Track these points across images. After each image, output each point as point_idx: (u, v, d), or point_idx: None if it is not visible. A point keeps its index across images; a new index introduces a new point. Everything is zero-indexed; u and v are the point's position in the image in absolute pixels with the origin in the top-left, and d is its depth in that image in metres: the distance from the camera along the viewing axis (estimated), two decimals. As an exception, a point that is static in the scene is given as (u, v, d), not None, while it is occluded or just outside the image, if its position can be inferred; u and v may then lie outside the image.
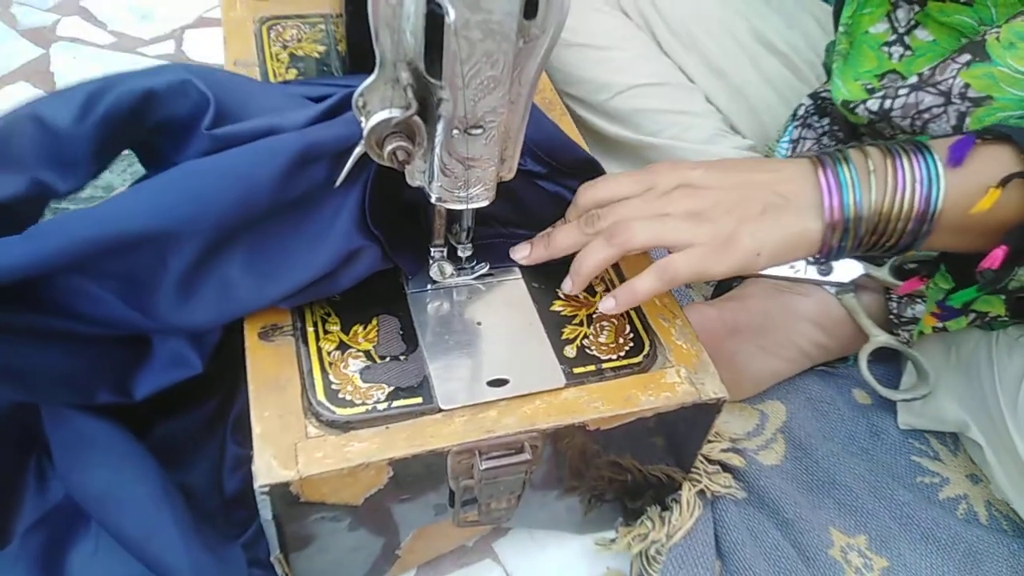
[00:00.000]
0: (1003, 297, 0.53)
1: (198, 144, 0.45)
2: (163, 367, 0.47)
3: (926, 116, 0.52)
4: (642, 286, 0.46)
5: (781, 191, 0.45)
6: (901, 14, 0.56)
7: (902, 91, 0.53)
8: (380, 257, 0.45)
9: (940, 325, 0.55)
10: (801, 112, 0.67)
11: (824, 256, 0.46)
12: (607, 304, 0.47)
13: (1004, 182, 0.41)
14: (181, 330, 0.45)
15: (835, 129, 0.65)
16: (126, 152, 0.49)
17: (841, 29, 0.59)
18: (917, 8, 0.54)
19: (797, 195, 0.44)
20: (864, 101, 0.55)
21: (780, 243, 0.44)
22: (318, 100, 0.47)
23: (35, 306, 0.42)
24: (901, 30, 0.56)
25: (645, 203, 0.46)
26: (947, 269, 0.51)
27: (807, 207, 0.44)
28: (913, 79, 0.53)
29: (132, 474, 0.46)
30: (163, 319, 0.43)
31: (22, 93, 0.92)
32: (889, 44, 0.56)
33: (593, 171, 0.51)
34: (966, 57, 0.51)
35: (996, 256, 0.42)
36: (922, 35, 0.55)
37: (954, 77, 0.51)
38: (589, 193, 0.48)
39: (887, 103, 0.54)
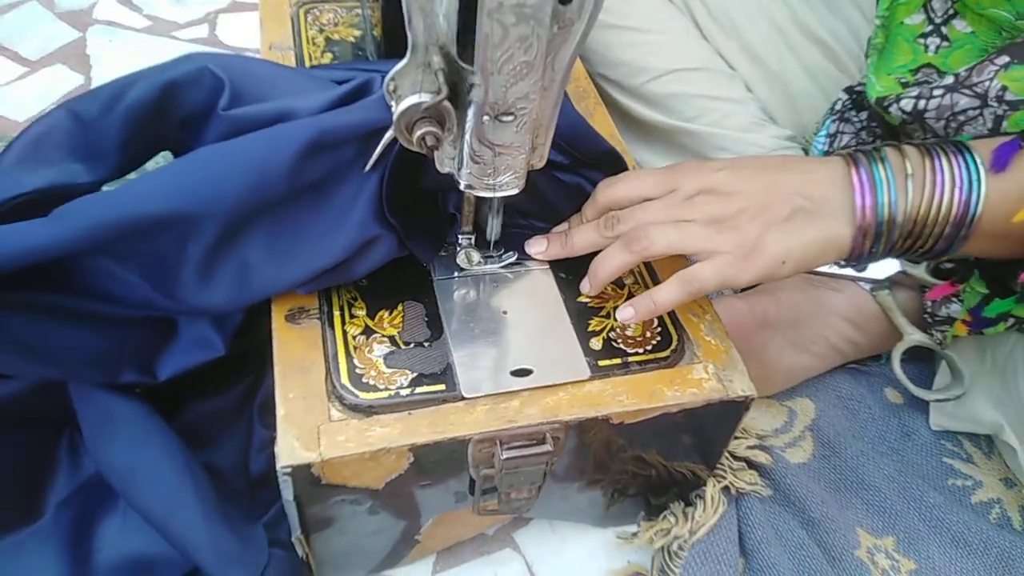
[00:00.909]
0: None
1: (216, 127, 0.45)
2: (187, 349, 0.48)
3: (961, 119, 0.50)
4: (664, 297, 0.45)
5: (810, 194, 0.43)
6: (937, 4, 0.54)
7: (937, 91, 0.51)
8: (396, 245, 0.45)
9: (973, 332, 0.54)
10: (838, 106, 0.66)
11: (854, 261, 0.45)
12: (626, 313, 0.46)
13: None
14: (202, 312, 0.46)
15: (873, 125, 0.63)
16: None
17: (877, 22, 0.58)
18: None
19: (827, 198, 0.43)
20: (898, 100, 0.54)
21: (808, 249, 0.43)
22: (343, 84, 0.47)
23: (63, 287, 0.43)
24: (938, 20, 0.54)
25: (666, 208, 0.45)
26: (981, 275, 0.50)
27: (837, 211, 0.43)
28: (949, 79, 0.51)
29: (156, 451, 0.47)
30: (185, 301, 0.43)
31: (59, 75, 0.93)
32: (925, 35, 0.55)
33: (616, 164, 0.50)
34: (1004, 59, 0.49)
35: None
36: (960, 26, 0.53)
37: (991, 79, 0.49)
38: (609, 191, 0.47)
39: (921, 103, 0.52)
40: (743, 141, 0.71)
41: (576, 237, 0.48)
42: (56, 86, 0.91)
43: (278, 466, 0.39)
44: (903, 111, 0.53)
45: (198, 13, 1.04)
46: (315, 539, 0.46)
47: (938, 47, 0.54)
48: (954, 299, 0.59)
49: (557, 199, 0.50)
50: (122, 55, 0.96)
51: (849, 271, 0.63)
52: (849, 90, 0.65)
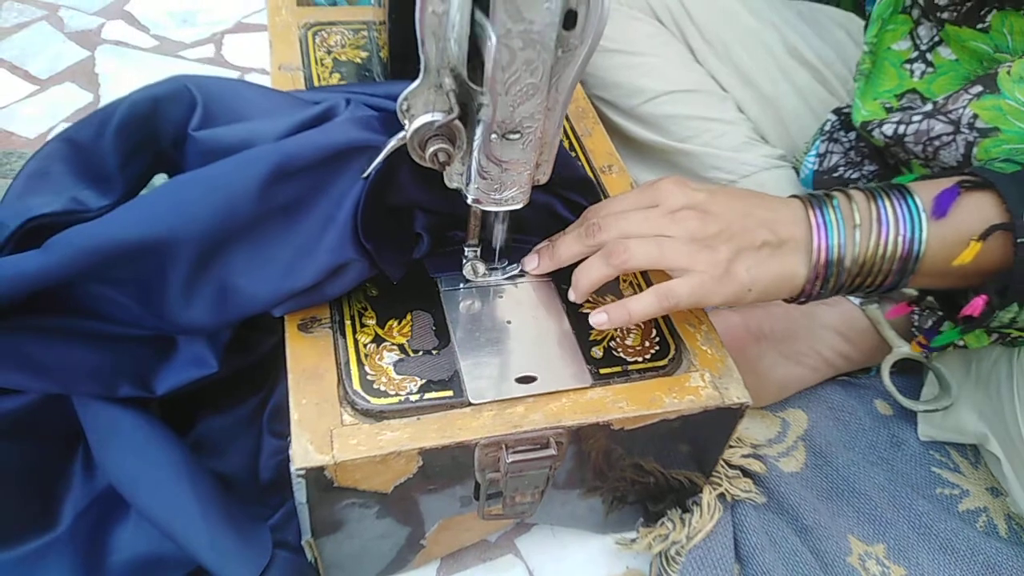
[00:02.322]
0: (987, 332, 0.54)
1: (191, 147, 0.47)
2: (183, 366, 0.49)
3: (936, 143, 0.53)
4: (638, 308, 0.46)
5: (777, 230, 0.45)
6: (923, 31, 0.56)
7: (916, 118, 0.54)
8: (368, 268, 0.46)
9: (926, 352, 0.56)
10: (828, 127, 0.68)
11: (803, 299, 0.47)
12: (599, 319, 0.47)
13: (985, 235, 0.42)
14: (189, 331, 0.48)
15: (861, 145, 0.66)
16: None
17: (866, 48, 0.60)
18: (940, 26, 0.55)
19: (791, 236, 0.45)
20: (880, 124, 0.56)
21: (770, 282, 0.45)
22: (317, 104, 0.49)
23: (61, 307, 0.45)
24: (923, 47, 0.56)
25: (647, 221, 0.46)
26: (935, 297, 0.52)
27: (798, 250, 0.45)
28: (928, 106, 0.54)
29: (156, 457, 0.48)
30: (172, 321, 0.45)
31: (69, 93, 0.95)
32: (911, 61, 0.57)
33: (590, 191, 0.52)
34: (978, 88, 0.52)
35: (976, 305, 0.44)
36: (945, 53, 0.56)
37: (964, 107, 0.52)
38: (594, 212, 0.49)
39: (901, 128, 0.55)
40: (735, 160, 0.73)
41: (560, 248, 0.49)
42: (65, 104, 0.93)
43: (292, 468, 0.40)
44: (885, 135, 0.55)
45: (204, 33, 1.07)
46: (324, 542, 0.47)
47: (923, 72, 0.56)
48: (941, 312, 0.61)
49: (533, 217, 0.51)
50: (130, 74, 0.98)
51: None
52: (838, 111, 0.68)
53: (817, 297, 0.46)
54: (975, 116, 0.51)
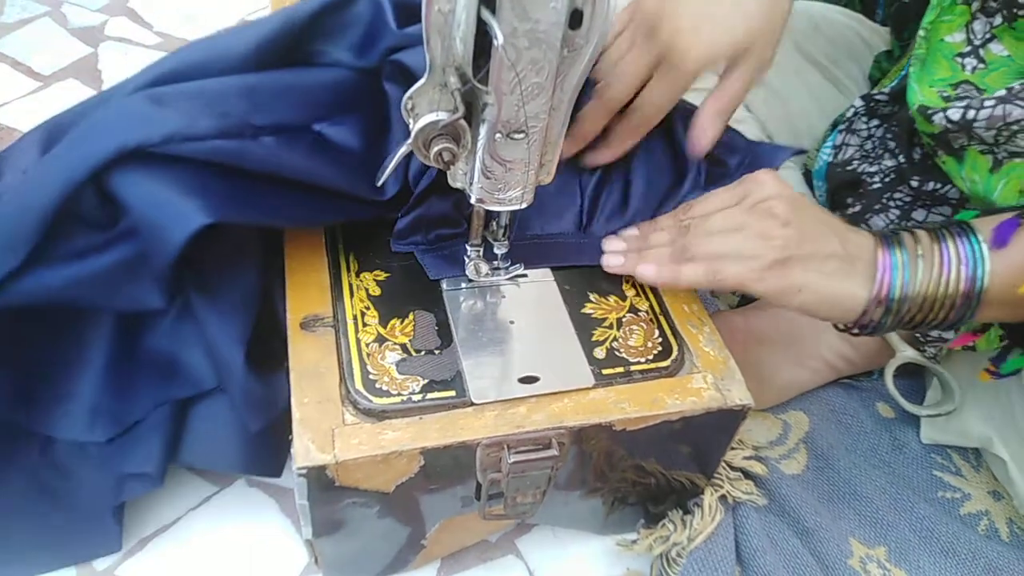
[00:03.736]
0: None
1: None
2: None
3: (1014, 127, 0.52)
4: (687, 273, 0.47)
5: (849, 250, 0.46)
6: (978, 26, 0.56)
7: (988, 103, 0.53)
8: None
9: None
10: (849, 114, 0.68)
11: (862, 328, 0.47)
12: (647, 270, 0.48)
13: None
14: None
15: (887, 136, 0.65)
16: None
17: (921, 34, 0.59)
18: (998, 21, 0.55)
19: (859, 256, 0.46)
20: (944, 110, 0.55)
21: (824, 294, 0.45)
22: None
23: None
24: (977, 42, 0.56)
25: (727, 216, 0.47)
26: (1000, 324, 0.52)
27: (862, 272, 0.45)
28: (1001, 91, 0.53)
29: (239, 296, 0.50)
30: None
31: (71, 90, 0.95)
32: (963, 55, 0.56)
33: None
34: None
35: None
36: (997, 49, 0.55)
37: None
38: (689, 212, 0.50)
39: (971, 113, 0.54)
40: None
41: (648, 259, 0.49)
42: (68, 100, 0.93)
43: (294, 467, 0.40)
44: (950, 120, 0.55)
45: (207, 30, 1.07)
46: (325, 542, 0.47)
47: (975, 68, 0.56)
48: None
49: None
50: (133, 71, 0.97)
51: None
52: (866, 97, 0.67)
53: (877, 329, 0.46)
54: None
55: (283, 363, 0.54)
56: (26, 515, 0.53)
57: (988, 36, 0.55)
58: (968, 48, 0.56)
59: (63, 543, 0.53)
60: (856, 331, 0.47)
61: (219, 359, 0.50)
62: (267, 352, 0.54)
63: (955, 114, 0.54)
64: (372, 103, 0.48)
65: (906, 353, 0.63)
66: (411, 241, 0.50)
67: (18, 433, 0.52)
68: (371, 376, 0.44)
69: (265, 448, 0.55)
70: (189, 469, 0.60)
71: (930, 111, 0.56)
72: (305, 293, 0.48)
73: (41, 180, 0.43)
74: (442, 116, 0.38)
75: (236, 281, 0.51)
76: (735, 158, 0.55)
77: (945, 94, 0.56)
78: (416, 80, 0.45)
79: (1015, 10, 0.53)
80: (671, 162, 0.54)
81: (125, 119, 0.43)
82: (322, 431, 0.41)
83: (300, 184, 0.46)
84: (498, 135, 0.39)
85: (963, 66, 0.56)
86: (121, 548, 0.55)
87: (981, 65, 0.55)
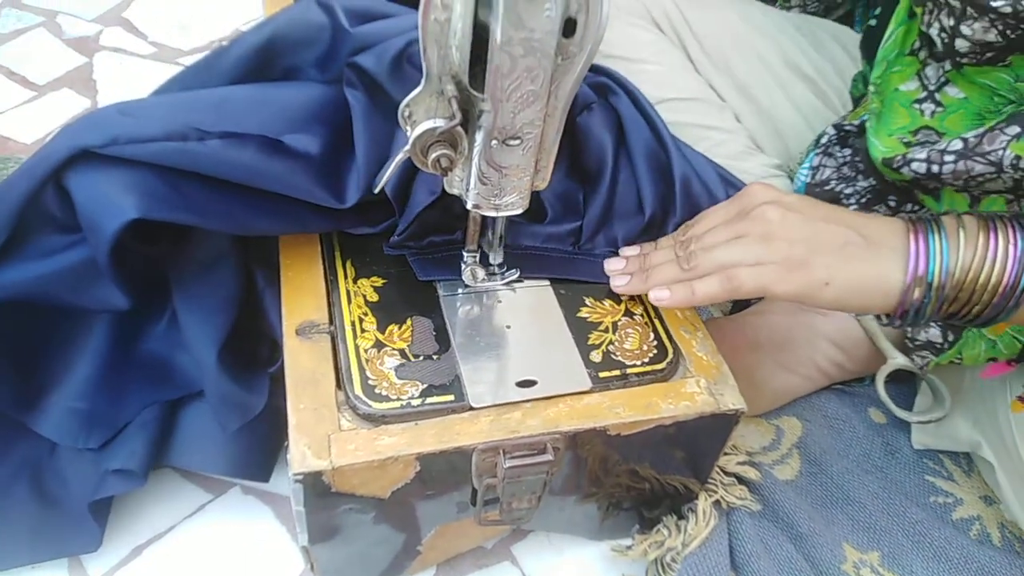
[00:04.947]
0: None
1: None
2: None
3: (980, 179, 0.52)
4: (702, 289, 0.46)
5: (866, 233, 0.44)
6: (930, 72, 0.56)
7: (948, 158, 0.53)
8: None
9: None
10: (824, 140, 0.69)
11: (902, 314, 0.44)
12: (660, 294, 0.48)
13: None
14: None
15: (856, 160, 0.66)
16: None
17: (871, 89, 0.60)
18: (948, 67, 0.55)
19: (882, 240, 0.44)
20: (908, 162, 0.55)
21: (854, 281, 0.43)
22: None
23: None
24: (931, 87, 0.56)
25: (727, 227, 0.47)
26: None
27: (891, 255, 0.43)
28: (957, 144, 0.52)
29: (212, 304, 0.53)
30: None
31: (66, 100, 0.95)
32: (920, 101, 0.57)
33: None
34: (1015, 129, 0.50)
35: None
36: (952, 92, 0.55)
37: (1004, 148, 0.50)
38: (689, 232, 0.50)
39: (935, 168, 0.54)
40: (734, 168, 0.73)
41: (655, 276, 0.49)
42: (63, 110, 0.93)
43: (290, 473, 0.40)
44: (916, 173, 0.54)
45: (202, 41, 1.07)
46: (320, 549, 0.47)
47: (933, 112, 0.56)
48: (932, 324, 0.60)
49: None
50: (129, 81, 0.98)
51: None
52: (837, 127, 0.68)
53: (916, 318, 0.44)
54: (1018, 157, 0.50)
55: (266, 367, 0.55)
56: (8, 506, 0.53)
57: (943, 80, 0.56)
58: (924, 94, 0.56)
59: (42, 537, 0.54)
60: (899, 322, 0.45)
61: (195, 359, 0.51)
62: (250, 356, 0.55)
63: (920, 167, 0.54)
64: (343, 114, 0.48)
65: (897, 360, 0.63)
66: (404, 246, 0.51)
67: (4, 425, 0.53)
68: (370, 381, 0.44)
69: (253, 452, 0.56)
70: (184, 476, 0.60)
71: (895, 163, 0.56)
72: (301, 300, 0.48)
73: (12, 180, 0.45)
74: (439, 123, 0.39)
75: (213, 285, 0.52)
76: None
77: (905, 140, 0.57)
78: (374, 81, 0.46)
79: (958, 58, 0.53)
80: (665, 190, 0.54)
81: (84, 125, 0.45)
82: (318, 437, 0.42)
83: (252, 190, 0.46)
84: (494, 141, 0.40)
85: (922, 112, 0.56)
86: (99, 546, 0.54)
87: (939, 109, 0.56)
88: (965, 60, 0.53)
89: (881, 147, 0.58)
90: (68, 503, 0.54)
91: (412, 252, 0.51)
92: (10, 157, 0.85)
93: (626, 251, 0.53)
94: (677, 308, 0.50)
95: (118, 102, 0.48)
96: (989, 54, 0.52)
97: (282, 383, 0.45)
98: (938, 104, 0.56)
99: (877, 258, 0.43)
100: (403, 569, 0.54)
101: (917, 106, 0.57)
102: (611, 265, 0.52)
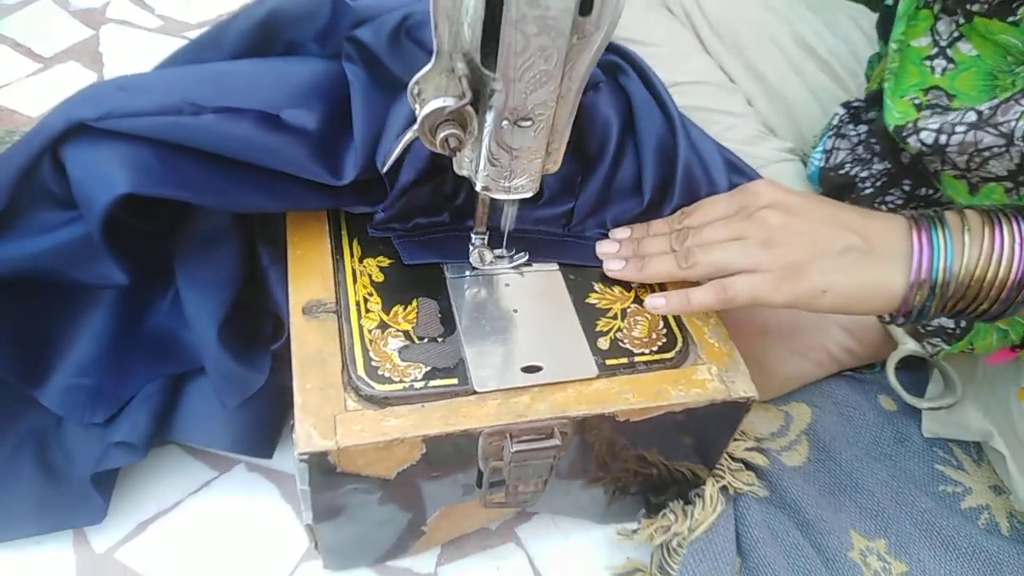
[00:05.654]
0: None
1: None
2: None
3: (986, 154, 0.51)
4: (697, 298, 0.47)
5: (868, 236, 0.44)
6: (943, 27, 0.55)
7: (960, 128, 0.52)
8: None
9: None
10: (836, 121, 0.68)
11: (904, 316, 0.44)
12: (656, 302, 0.48)
13: None
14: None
15: (872, 141, 0.65)
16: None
17: (894, 47, 0.59)
18: (961, 21, 0.54)
19: (884, 244, 0.43)
20: (917, 131, 0.54)
21: (854, 288, 0.43)
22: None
23: None
24: (943, 43, 0.55)
25: (726, 226, 0.46)
26: None
27: (893, 259, 0.43)
28: (971, 116, 0.51)
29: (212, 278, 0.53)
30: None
31: (72, 72, 0.94)
32: (931, 58, 0.56)
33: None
34: None
35: None
36: (965, 48, 0.54)
37: (1017, 120, 0.49)
38: (687, 221, 0.49)
39: (943, 138, 0.53)
40: (744, 153, 0.72)
41: (651, 267, 0.49)
42: (69, 82, 0.93)
43: (296, 453, 0.40)
44: (923, 143, 0.54)
45: (209, 14, 1.06)
46: (325, 527, 0.47)
47: (944, 69, 0.55)
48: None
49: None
50: (135, 53, 0.97)
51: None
52: (847, 105, 0.67)
53: (920, 316, 0.44)
54: None
55: (268, 345, 0.55)
56: (13, 477, 0.54)
57: (956, 35, 0.54)
58: (935, 50, 0.55)
59: (46, 508, 0.54)
60: (902, 320, 0.45)
61: (196, 335, 0.52)
62: (253, 332, 0.55)
63: (928, 137, 0.54)
64: (343, 90, 0.47)
65: (908, 346, 0.62)
66: (388, 228, 0.50)
67: (11, 397, 0.53)
68: (373, 363, 0.44)
69: (256, 428, 0.56)
70: (189, 452, 0.60)
71: (904, 131, 0.55)
72: (308, 279, 0.48)
73: (9, 153, 0.45)
74: (449, 102, 0.38)
75: (215, 262, 0.52)
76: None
77: (916, 101, 0.56)
78: (373, 55, 0.45)
79: (968, 6, 0.52)
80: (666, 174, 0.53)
81: (81, 98, 0.44)
82: (324, 417, 0.41)
83: (247, 166, 0.45)
84: (505, 122, 0.39)
85: (932, 69, 0.55)
86: (104, 519, 0.54)
87: (951, 66, 0.54)
88: (975, 7, 0.51)
89: (895, 112, 0.57)
90: (73, 475, 0.54)
91: (398, 234, 0.50)
92: (15, 130, 0.84)
93: (616, 233, 0.52)
94: (670, 313, 0.49)
95: (118, 76, 0.47)
96: (998, 1, 0.50)
97: (286, 360, 0.44)
98: (950, 60, 0.54)
99: (878, 263, 0.43)
100: (407, 549, 0.54)
101: (928, 63, 0.55)
102: (603, 248, 0.51)
